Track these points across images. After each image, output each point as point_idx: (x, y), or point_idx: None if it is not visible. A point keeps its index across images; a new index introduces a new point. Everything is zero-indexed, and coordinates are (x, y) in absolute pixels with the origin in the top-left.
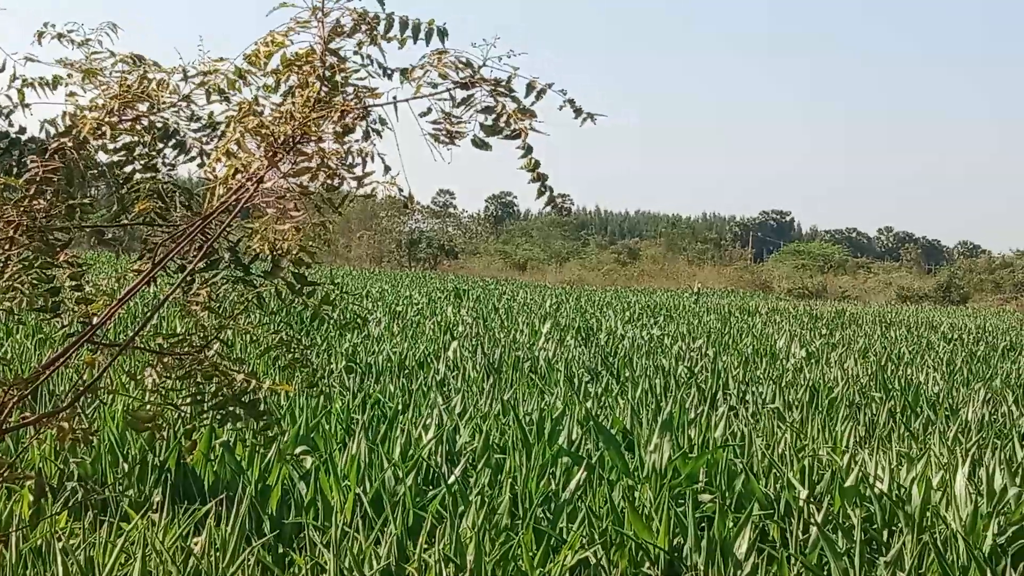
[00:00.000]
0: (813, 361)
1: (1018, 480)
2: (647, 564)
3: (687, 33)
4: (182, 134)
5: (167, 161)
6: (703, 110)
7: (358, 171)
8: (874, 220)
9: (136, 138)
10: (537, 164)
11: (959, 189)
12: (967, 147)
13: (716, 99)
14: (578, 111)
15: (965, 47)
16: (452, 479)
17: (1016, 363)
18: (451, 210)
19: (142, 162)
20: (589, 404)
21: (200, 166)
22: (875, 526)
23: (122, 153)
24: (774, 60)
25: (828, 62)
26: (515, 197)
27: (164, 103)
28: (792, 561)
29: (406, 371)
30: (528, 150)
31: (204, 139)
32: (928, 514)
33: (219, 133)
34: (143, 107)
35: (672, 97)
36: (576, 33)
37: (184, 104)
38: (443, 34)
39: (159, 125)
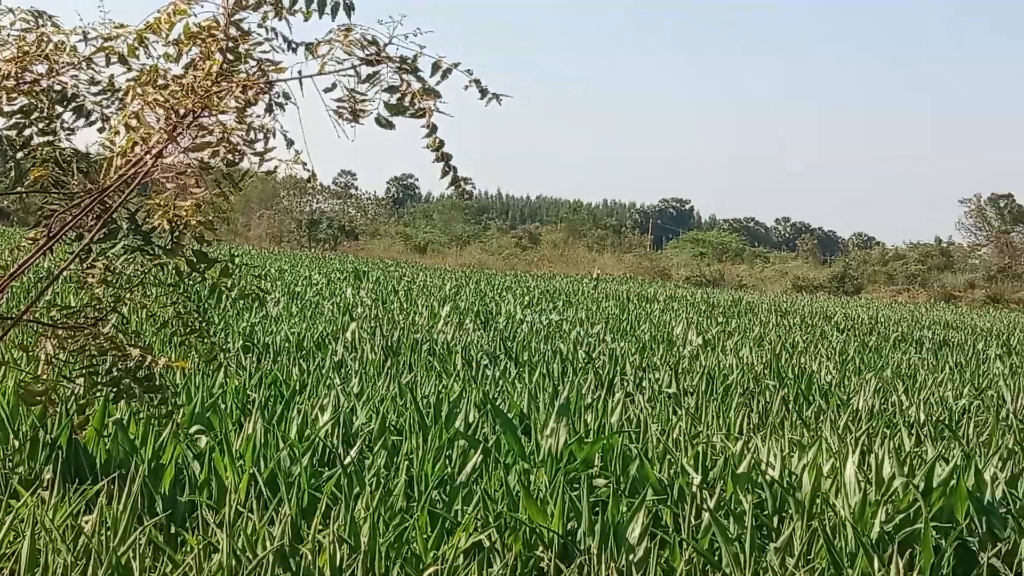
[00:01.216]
0: (709, 348)
1: (906, 469)
2: (540, 548)
3: (594, 23)
4: (81, 98)
5: (66, 125)
6: (605, 97)
7: (259, 147)
8: (772, 210)
9: (34, 101)
10: (441, 144)
11: (856, 181)
12: (864, 140)
13: (617, 87)
14: (483, 91)
15: (861, 39)
16: (348, 460)
17: (907, 353)
18: (352, 191)
19: (39, 125)
20: (487, 388)
21: (100, 131)
22: (766, 512)
23: (18, 116)
24: (677, 51)
25: (730, 53)
26: (417, 179)
27: (64, 66)
28: (684, 546)
29: (304, 352)
30: (432, 130)
31: (104, 103)
32: (818, 501)
33: (119, 98)
34: (41, 69)
35: (574, 84)
36: (481, 15)
37: (84, 66)
38: (349, 8)
39: (57, 88)
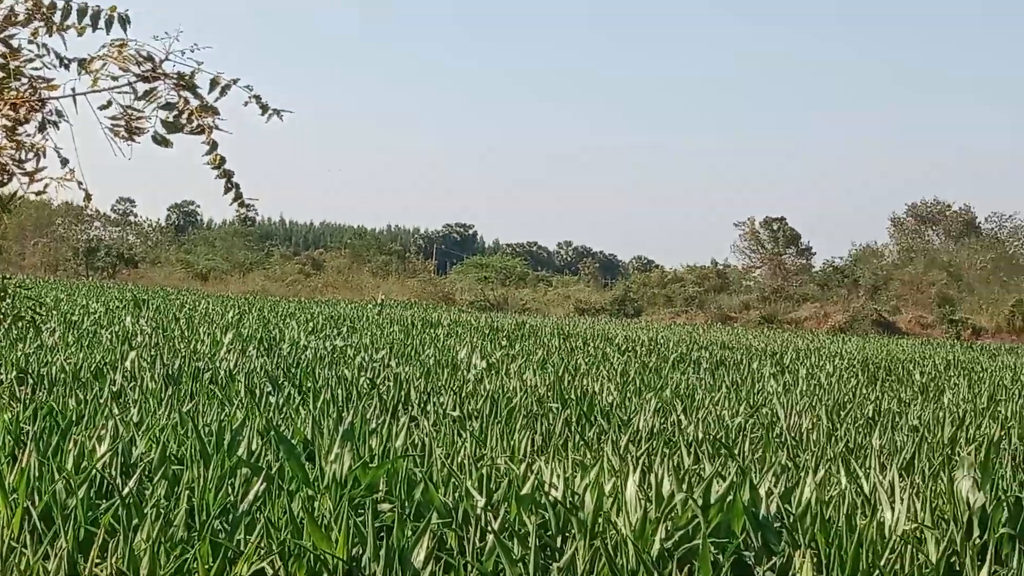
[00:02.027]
0: (493, 372)
1: (685, 486)
2: (325, 574)
3: (379, 50)
4: None
5: None
6: (387, 123)
7: (30, 166)
8: (555, 234)
9: None
10: (223, 160)
11: (636, 206)
12: (639, 164)
13: (399, 113)
14: (264, 107)
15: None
16: (127, 491)
17: (685, 373)
18: (131, 218)
19: None
20: (270, 414)
21: None
22: (550, 532)
23: None
24: (454, 77)
25: (505, 79)
26: (198, 206)
27: None
28: (469, 568)
29: (81, 382)
30: (213, 146)
31: None
32: (600, 520)
33: None
34: None
35: (355, 109)
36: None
37: None
38: (125, 22)
39: None
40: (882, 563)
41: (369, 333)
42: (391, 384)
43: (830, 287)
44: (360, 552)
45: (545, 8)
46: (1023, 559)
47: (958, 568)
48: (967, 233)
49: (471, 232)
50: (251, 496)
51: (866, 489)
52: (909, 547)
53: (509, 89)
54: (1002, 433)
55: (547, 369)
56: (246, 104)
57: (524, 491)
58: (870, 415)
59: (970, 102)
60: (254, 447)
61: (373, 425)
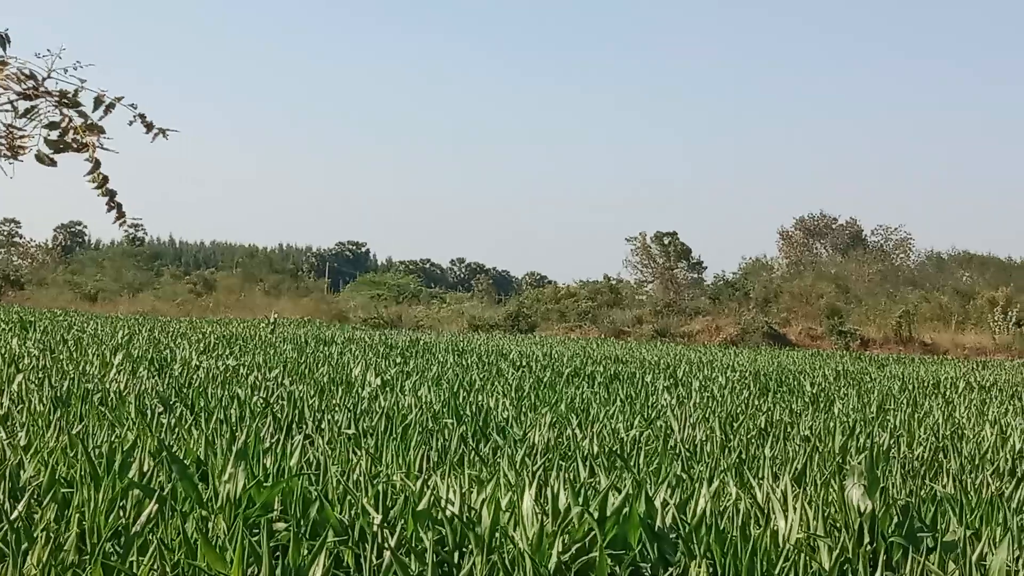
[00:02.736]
0: (388, 389)
1: (581, 499)
2: None
3: (269, 62)
4: None
5: None
6: (277, 139)
7: None
8: (448, 251)
9: None
10: (105, 179)
11: (528, 223)
12: (526, 181)
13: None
14: (149, 126)
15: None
16: (15, 515)
17: (580, 388)
18: (16, 239)
19: None
20: (162, 435)
21: None
22: (447, 548)
23: None
24: (342, 91)
25: (391, 94)
26: (86, 227)
27: None
28: None
29: None
30: (96, 165)
31: None
32: (497, 535)
33: None
34: None
35: (242, 124)
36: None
37: None
38: (4, 41)
39: None
40: (776, 571)
41: (262, 352)
42: (285, 403)
43: (721, 300)
44: (255, 572)
45: (430, 17)
46: (913, 565)
47: (851, 575)
48: (854, 246)
49: (364, 250)
50: (143, 518)
51: (759, 499)
52: (802, 555)
53: (395, 104)
54: (891, 441)
55: (442, 385)
56: (131, 123)
57: (420, 507)
58: (762, 426)
59: (854, 117)
60: (146, 468)
61: (267, 444)
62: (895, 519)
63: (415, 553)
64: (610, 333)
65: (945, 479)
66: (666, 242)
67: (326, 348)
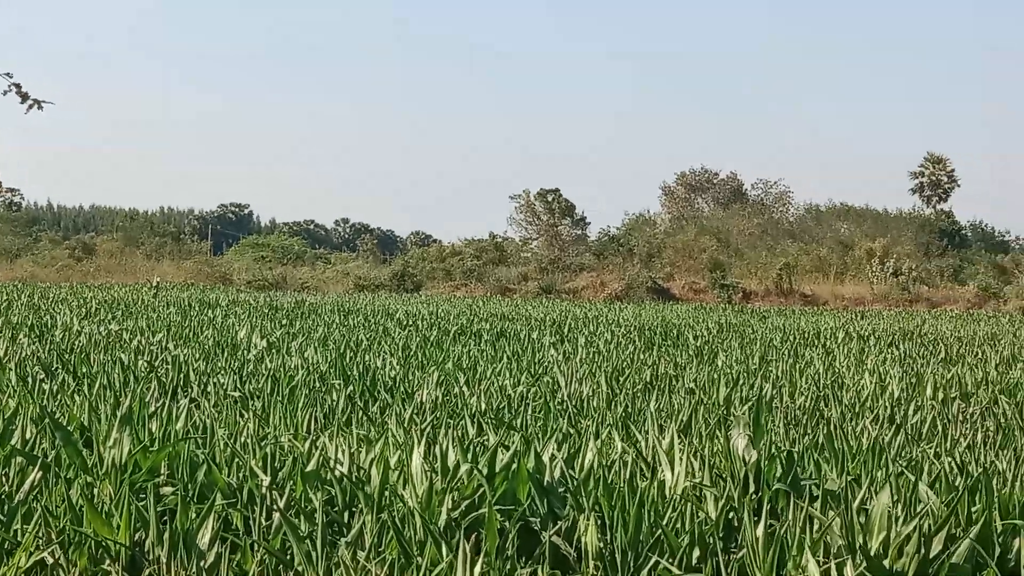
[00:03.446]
0: (274, 351)
1: (470, 457)
2: (108, 561)
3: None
4: None
5: None
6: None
7: None
8: (332, 212)
9: None
10: None
11: (412, 182)
12: (416, 140)
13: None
14: (24, 96)
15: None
16: None
17: (467, 346)
18: None
19: None
20: (44, 402)
21: None
22: (337, 508)
23: None
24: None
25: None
26: None
27: None
28: (256, 548)
29: None
30: None
31: None
32: (387, 493)
33: None
34: None
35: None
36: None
37: None
38: None
39: None
40: (664, 522)
41: (145, 316)
42: (170, 367)
43: (606, 256)
44: (143, 537)
45: None
46: (797, 511)
47: (736, 523)
48: (735, 200)
49: (247, 212)
50: (27, 486)
51: (646, 451)
52: (689, 505)
53: (276, 64)
54: (774, 392)
55: (328, 346)
56: (5, 93)
57: (309, 468)
58: (648, 380)
59: (733, 72)
60: (28, 436)
61: (152, 409)
62: (779, 468)
63: (305, 514)
64: (496, 291)
65: (827, 427)
66: (550, 199)
67: (210, 311)
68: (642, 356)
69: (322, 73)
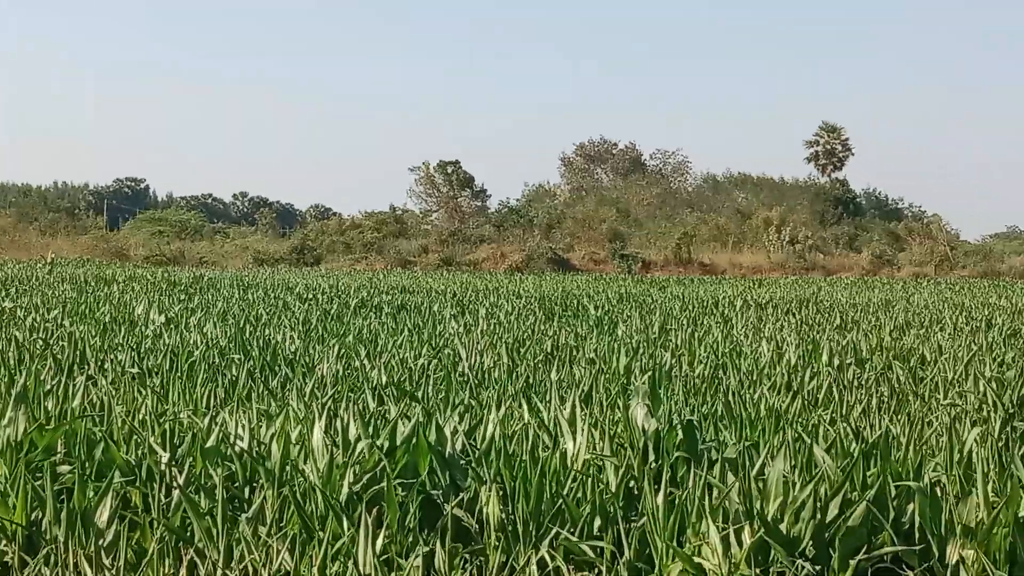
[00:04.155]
0: (173, 326)
1: (371, 430)
2: (4, 541)
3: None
4: None
5: None
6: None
7: None
8: (230, 186)
9: None
10: None
11: (311, 155)
12: (314, 111)
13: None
14: None
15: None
16: None
17: (367, 319)
18: None
19: None
20: None
21: None
22: (237, 484)
23: None
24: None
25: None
26: None
27: None
28: (155, 525)
29: None
30: None
31: None
32: (288, 468)
33: None
34: None
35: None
36: None
37: None
38: None
39: None
40: (565, 492)
41: (40, 293)
42: (66, 344)
43: (506, 228)
44: (40, 516)
45: None
46: (696, 479)
47: (637, 492)
48: (634, 170)
49: (143, 186)
50: None
51: (547, 422)
52: (590, 476)
53: (170, 32)
54: (673, 361)
55: (228, 321)
56: None
57: (209, 444)
58: (549, 350)
59: (628, 40)
60: None
61: (48, 386)
62: (679, 436)
63: (205, 490)
64: (396, 263)
65: (725, 395)
66: (449, 171)
67: (107, 287)
68: (543, 327)
69: (219, 44)
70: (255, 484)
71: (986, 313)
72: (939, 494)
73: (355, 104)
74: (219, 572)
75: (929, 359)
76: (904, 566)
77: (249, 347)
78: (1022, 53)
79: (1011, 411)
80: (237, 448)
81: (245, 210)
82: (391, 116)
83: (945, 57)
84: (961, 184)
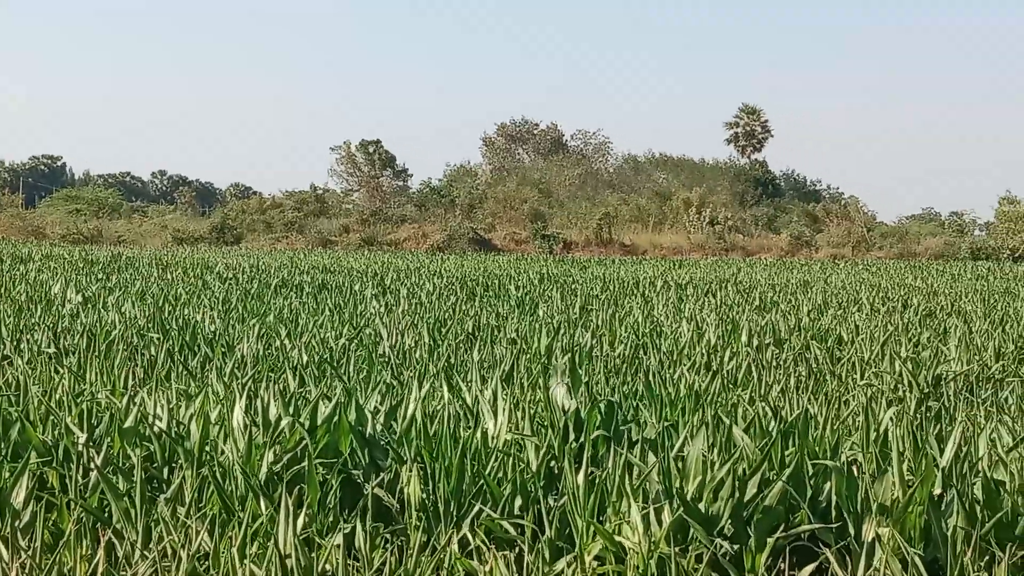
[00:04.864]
0: (90, 306)
1: (292, 410)
2: None
3: None
4: None
5: None
6: None
7: None
8: (149, 164)
9: None
10: None
11: (231, 133)
12: (235, 91)
13: None
14: None
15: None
16: None
17: (288, 299)
18: None
19: None
20: None
21: None
22: (156, 464)
23: None
24: None
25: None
26: None
27: None
28: (72, 506)
29: None
30: None
31: None
32: (208, 448)
33: None
34: None
35: None
36: None
37: None
38: None
39: None
40: (486, 471)
41: None
42: None
43: (428, 207)
44: None
45: None
46: (616, 458)
47: (557, 472)
48: (555, 151)
49: (60, 164)
50: None
51: (469, 402)
52: (511, 455)
53: (86, 8)
54: (594, 341)
55: (147, 300)
56: None
57: (127, 424)
58: (470, 330)
59: (551, 22)
60: None
61: None
62: (599, 416)
63: (123, 471)
64: (317, 243)
65: (646, 375)
66: (371, 150)
67: (23, 266)
68: (464, 307)
69: (135, 20)
70: (174, 465)
71: (902, 294)
72: (855, 473)
73: (276, 82)
74: (137, 553)
75: (846, 339)
76: (821, 544)
77: (169, 327)
78: (938, 35)
79: (926, 391)
80: (156, 428)
81: (164, 189)
82: (313, 94)
83: (863, 41)
84: (878, 166)
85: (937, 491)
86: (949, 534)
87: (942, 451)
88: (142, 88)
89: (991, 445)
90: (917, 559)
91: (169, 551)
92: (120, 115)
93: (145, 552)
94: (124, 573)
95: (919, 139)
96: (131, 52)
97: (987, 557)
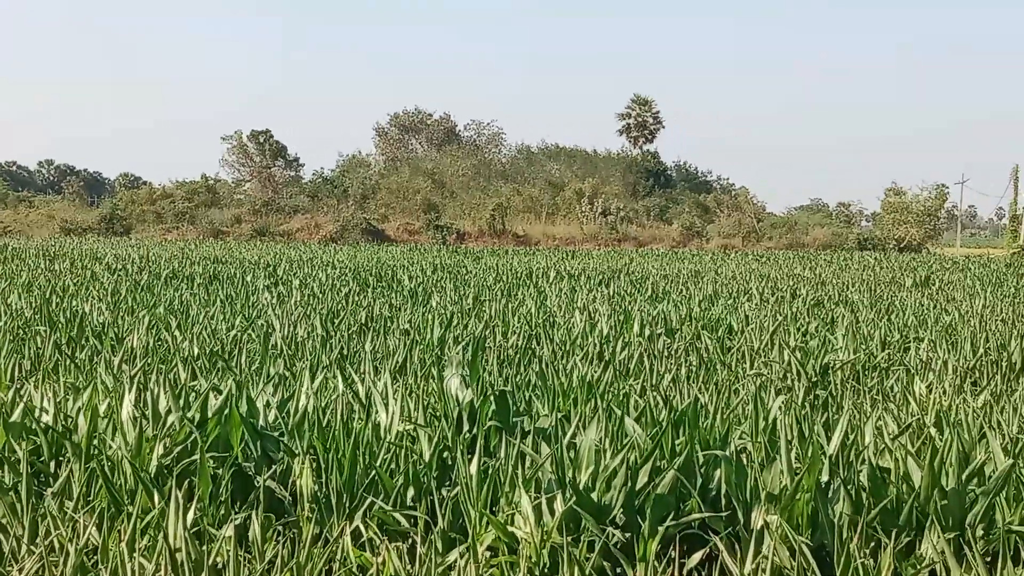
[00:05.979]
0: None
1: (182, 403)
2: None
3: None
4: None
5: None
6: None
7: None
8: (35, 154)
9: None
10: None
11: (122, 122)
12: (126, 77)
13: None
14: None
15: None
16: None
17: (179, 290)
18: None
19: None
20: None
21: None
22: (43, 459)
23: None
24: None
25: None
26: None
27: None
28: None
29: None
30: None
31: None
32: (96, 442)
33: None
34: None
35: None
36: None
37: None
38: None
39: None
40: (379, 463)
41: None
42: None
43: (320, 198)
44: None
45: None
46: (509, 448)
47: (450, 462)
48: (448, 141)
49: None
50: None
51: (361, 393)
52: (403, 447)
53: None
54: (487, 332)
55: (33, 292)
56: None
57: (14, 418)
58: (363, 321)
59: (447, 9)
60: None
61: None
62: (493, 406)
63: (8, 465)
64: (209, 234)
65: (539, 365)
66: (262, 140)
67: None
68: (357, 298)
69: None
70: (62, 459)
71: (791, 284)
72: (745, 461)
73: (166, 68)
74: (24, 548)
75: (736, 329)
76: (711, 531)
77: (56, 318)
78: (827, 31)
79: (814, 379)
80: (42, 422)
81: (51, 178)
82: (204, 81)
83: (755, 35)
84: (767, 158)
85: (824, 479)
86: (836, 521)
87: (829, 439)
88: (27, 74)
89: (877, 433)
90: (804, 546)
91: (57, 546)
92: (4, 102)
93: (32, 547)
94: (10, 568)
95: (807, 131)
96: (14, 39)
97: (872, 543)
